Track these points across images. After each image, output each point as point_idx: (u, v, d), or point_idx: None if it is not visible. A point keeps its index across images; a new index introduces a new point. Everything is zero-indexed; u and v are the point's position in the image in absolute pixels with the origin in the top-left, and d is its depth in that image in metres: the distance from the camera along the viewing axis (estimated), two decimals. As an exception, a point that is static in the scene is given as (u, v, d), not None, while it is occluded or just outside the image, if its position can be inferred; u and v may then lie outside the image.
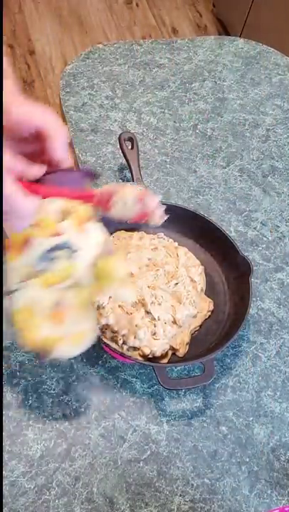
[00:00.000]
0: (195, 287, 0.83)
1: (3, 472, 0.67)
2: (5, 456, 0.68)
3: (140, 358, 0.75)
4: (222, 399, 0.76)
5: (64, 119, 1.03)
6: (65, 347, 0.61)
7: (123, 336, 0.75)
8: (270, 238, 0.93)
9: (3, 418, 0.71)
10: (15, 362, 0.75)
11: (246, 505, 0.69)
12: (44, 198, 0.57)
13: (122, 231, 0.86)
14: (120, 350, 0.75)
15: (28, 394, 0.73)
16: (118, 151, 0.97)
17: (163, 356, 0.77)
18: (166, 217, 0.72)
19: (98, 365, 0.76)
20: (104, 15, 2.61)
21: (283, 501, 0.70)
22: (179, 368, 0.78)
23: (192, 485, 0.70)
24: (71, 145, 0.99)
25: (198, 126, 1.05)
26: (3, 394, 0.72)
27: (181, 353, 0.77)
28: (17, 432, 0.70)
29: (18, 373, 0.74)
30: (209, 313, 0.82)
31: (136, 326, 0.76)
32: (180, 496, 0.69)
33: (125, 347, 0.76)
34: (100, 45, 1.13)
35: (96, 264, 0.60)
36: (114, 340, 0.75)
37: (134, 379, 0.76)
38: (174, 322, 0.79)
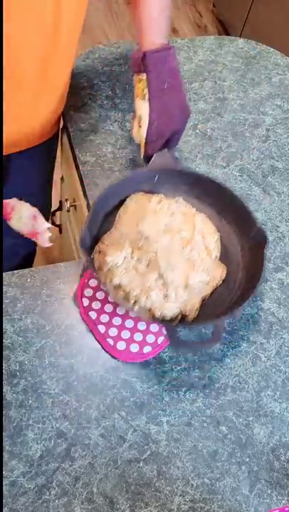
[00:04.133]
0: (209, 254, 0.83)
1: (3, 472, 0.67)
2: (5, 456, 0.68)
3: (151, 319, 0.76)
4: (222, 399, 0.76)
5: (64, 119, 1.03)
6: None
7: (135, 296, 0.75)
8: (270, 238, 0.93)
9: (3, 418, 0.71)
10: (15, 362, 0.75)
11: (246, 505, 0.69)
12: None
13: (141, 193, 0.87)
14: (132, 310, 0.75)
15: (28, 394, 0.73)
16: (118, 151, 0.97)
17: (172, 320, 0.77)
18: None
19: (98, 365, 0.76)
20: (104, 15, 2.61)
21: (283, 501, 0.70)
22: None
23: (192, 485, 0.70)
24: (71, 145, 0.99)
25: (198, 126, 1.05)
26: (3, 394, 0.72)
27: (190, 318, 0.77)
28: (17, 432, 0.70)
29: (18, 373, 0.74)
30: (221, 281, 0.82)
31: (148, 287, 0.76)
32: (180, 495, 0.69)
33: (136, 308, 0.75)
34: (100, 45, 1.13)
35: None
36: (125, 299, 0.76)
37: (134, 379, 0.76)
38: (186, 287, 0.79)
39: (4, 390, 0.73)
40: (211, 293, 0.81)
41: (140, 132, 0.85)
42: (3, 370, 0.74)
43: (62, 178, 1.31)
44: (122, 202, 0.85)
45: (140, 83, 0.84)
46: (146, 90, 0.83)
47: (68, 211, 1.17)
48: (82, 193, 0.96)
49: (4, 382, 0.73)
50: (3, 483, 0.67)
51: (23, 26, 0.77)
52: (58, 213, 1.38)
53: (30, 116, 0.92)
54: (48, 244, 0.74)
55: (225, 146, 1.03)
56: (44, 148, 1.04)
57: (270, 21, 2.12)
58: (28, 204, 0.74)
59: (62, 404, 0.73)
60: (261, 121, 1.07)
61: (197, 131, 1.04)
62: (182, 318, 0.77)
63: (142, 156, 0.87)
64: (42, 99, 0.91)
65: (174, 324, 0.75)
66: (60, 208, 1.37)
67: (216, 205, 0.87)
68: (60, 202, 1.37)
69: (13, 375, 0.74)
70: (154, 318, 0.75)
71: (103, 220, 0.83)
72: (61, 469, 0.69)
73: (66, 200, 1.15)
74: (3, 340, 0.76)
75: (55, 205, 1.34)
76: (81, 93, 1.05)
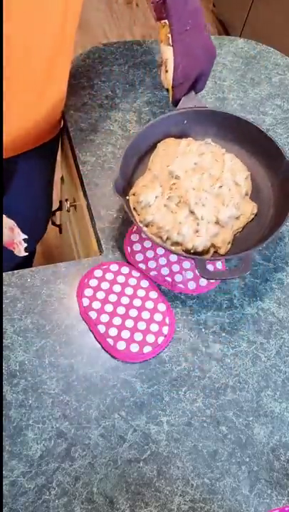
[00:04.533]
0: (239, 191, 0.84)
1: (3, 472, 0.67)
2: (5, 456, 0.69)
3: (183, 253, 0.78)
4: (222, 399, 0.76)
5: (64, 119, 1.03)
6: None
7: (167, 231, 0.78)
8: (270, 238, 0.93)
9: (3, 418, 0.71)
10: (15, 362, 0.75)
11: (246, 505, 0.69)
12: None
13: (171, 138, 0.89)
14: (164, 245, 0.78)
15: (28, 394, 0.73)
16: (118, 150, 0.97)
17: (204, 253, 0.79)
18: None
19: (98, 365, 0.76)
20: (104, 15, 2.61)
21: (283, 501, 0.70)
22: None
23: (192, 485, 0.70)
24: (71, 145, 0.99)
25: (198, 126, 1.05)
26: (3, 394, 0.72)
27: (222, 252, 0.80)
28: (17, 432, 0.70)
29: (18, 373, 0.74)
30: (253, 216, 0.84)
31: (179, 223, 0.79)
32: (180, 495, 0.69)
33: (169, 242, 0.79)
34: (100, 45, 1.13)
35: None
36: (158, 236, 0.79)
37: (134, 379, 0.76)
38: (217, 222, 0.81)
39: (4, 390, 0.73)
40: (243, 228, 0.83)
41: (167, 77, 0.87)
42: (3, 370, 0.74)
43: (62, 178, 1.31)
44: (154, 147, 0.88)
45: (163, 28, 0.86)
46: (169, 35, 0.84)
47: (68, 211, 1.17)
48: (82, 193, 0.96)
49: (4, 382, 0.73)
50: (3, 483, 0.67)
51: (32, 27, 0.77)
52: (58, 213, 1.38)
53: (34, 116, 0.93)
54: (23, 254, 0.78)
55: (225, 146, 1.03)
56: (45, 151, 1.04)
57: (270, 21, 2.12)
58: (5, 216, 0.78)
59: (62, 404, 0.73)
60: (261, 121, 1.07)
61: (197, 131, 1.04)
62: (214, 253, 0.80)
63: (170, 101, 0.90)
64: (45, 99, 0.91)
65: (206, 257, 0.78)
66: (60, 208, 1.37)
67: (245, 144, 0.89)
68: (60, 202, 1.37)
69: (13, 375, 0.74)
70: (186, 252, 0.78)
71: (136, 164, 0.87)
72: (61, 469, 0.69)
73: (66, 200, 1.15)
74: (3, 340, 0.76)
75: (55, 205, 1.34)
76: (81, 93, 1.05)
